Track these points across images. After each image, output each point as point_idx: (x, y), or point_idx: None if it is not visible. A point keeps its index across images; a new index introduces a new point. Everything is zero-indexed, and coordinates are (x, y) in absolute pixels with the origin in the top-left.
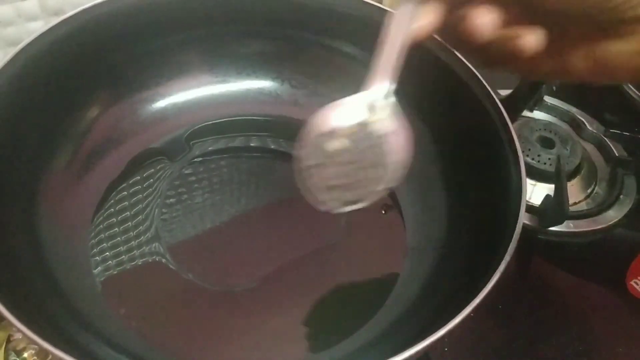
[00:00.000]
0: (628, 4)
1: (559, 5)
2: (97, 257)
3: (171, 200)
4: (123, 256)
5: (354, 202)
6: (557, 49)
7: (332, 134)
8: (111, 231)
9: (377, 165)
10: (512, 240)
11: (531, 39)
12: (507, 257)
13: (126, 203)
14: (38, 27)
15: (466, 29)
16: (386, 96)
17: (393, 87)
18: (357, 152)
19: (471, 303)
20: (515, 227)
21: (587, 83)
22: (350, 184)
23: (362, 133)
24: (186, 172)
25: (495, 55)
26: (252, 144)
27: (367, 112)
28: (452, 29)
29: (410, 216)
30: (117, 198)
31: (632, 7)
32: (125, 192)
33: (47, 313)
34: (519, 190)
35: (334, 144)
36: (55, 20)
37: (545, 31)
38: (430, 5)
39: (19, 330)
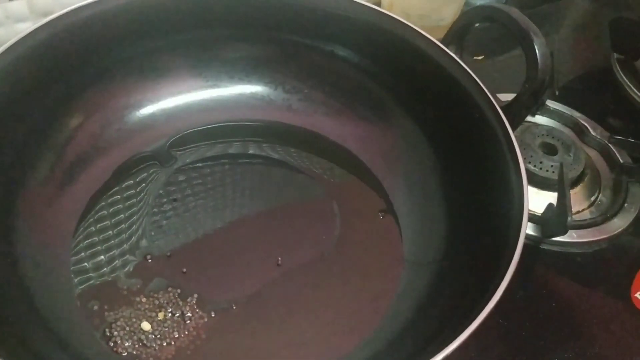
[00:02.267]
0: None
1: None
2: (78, 273)
3: (160, 209)
4: (105, 270)
5: None
6: None
7: None
8: (95, 244)
9: None
10: (514, 258)
11: None
12: (508, 276)
13: (111, 214)
14: (27, 28)
15: None
16: None
17: None
18: None
19: (470, 325)
20: (516, 244)
21: None
22: None
23: None
24: (176, 179)
25: None
26: (244, 151)
27: None
28: None
29: (408, 228)
30: (101, 209)
31: None
32: (111, 202)
33: (23, 336)
34: (520, 205)
35: None
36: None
37: None
38: None
39: None
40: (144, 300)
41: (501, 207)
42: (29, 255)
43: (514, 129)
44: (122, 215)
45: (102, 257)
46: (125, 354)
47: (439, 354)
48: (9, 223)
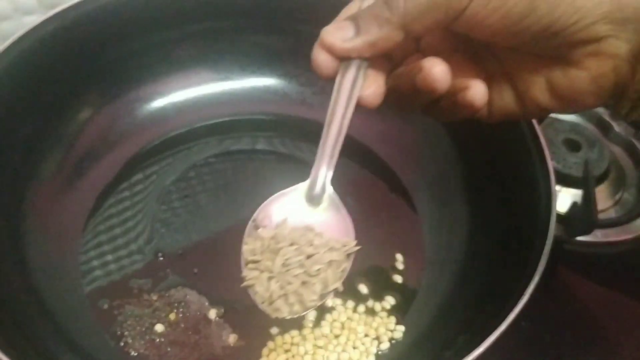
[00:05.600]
0: (574, 27)
1: (504, 43)
2: (87, 270)
3: (170, 205)
4: (115, 267)
5: (304, 306)
6: (514, 86)
7: (276, 237)
8: (105, 241)
9: (318, 263)
10: (542, 259)
11: (478, 90)
12: (535, 278)
13: (121, 210)
14: (34, 21)
15: (425, 80)
16: (324, 187)
17: (330, 176)
18: (300, 251)
19: (495, 331)
20: (544, 244)
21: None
22: (297, 287)
23: (302, 231)
24: (187, 175)
25: (447, 109)
26: (257, 146)
27: (307, 204)
28: (403, 89)
29: (429, 226)
30: (111, 204)
31: (579, 30)
32: (121, 197)
33: (31, 334)
34: (548, 202)
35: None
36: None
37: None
38: (373, 69)
39: None
40: (154, 299)
41: (527, 207)
42: (37, 252)
43: (539, 123)
44: (132, 211)
45: (111, 254)
46: (136, 354)
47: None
48: (18, 218)
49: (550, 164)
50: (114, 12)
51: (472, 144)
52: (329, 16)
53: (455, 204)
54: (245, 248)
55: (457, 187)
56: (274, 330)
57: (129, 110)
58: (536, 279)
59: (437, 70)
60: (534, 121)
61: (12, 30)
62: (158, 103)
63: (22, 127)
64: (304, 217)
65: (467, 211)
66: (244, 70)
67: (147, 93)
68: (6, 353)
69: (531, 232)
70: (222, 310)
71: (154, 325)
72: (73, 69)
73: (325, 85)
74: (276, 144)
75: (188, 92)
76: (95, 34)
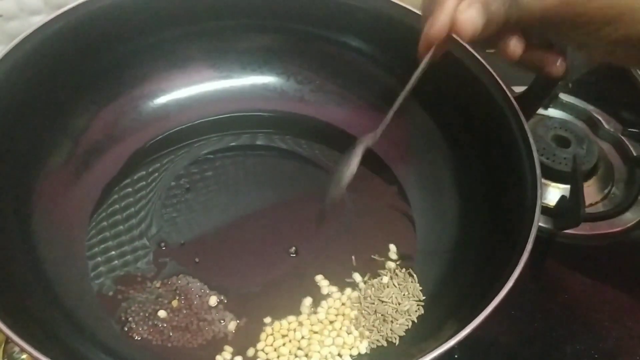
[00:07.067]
0: None
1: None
2: (94, 259)
3: (173, 199)
4: (121, 258)
5: None
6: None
7: None
8: (110, 232)
9: None
10: (525, 249)
11: (555, 65)
12: (520, 266)
13: (125, 202)
14: (41, 20)
15: (503, 51)
16: None
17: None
18: None
19: (482, 313)
20: (529, 234)
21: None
22: None
23: None
24: (189, 170)
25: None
26: (257, 142)
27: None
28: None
29: (421, 218)
30: (116, 197)
31: None
32: (125, 191)
33: (41, 319)
34: (534, 195)
35: None
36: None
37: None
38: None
39: (10, 339)
40: (157, 286)
41: (514, 198)
42: (46, 242)
43: (527, 120)
44: (136, 203)
45: (116, 244)
46: (140, 338)
47: (448, 341)
48: (27, 209)
49: (537, 157)
50: (118, 11)
51: (462, 139)
52: (327, 17)
53: (446, 196)
54: None
55: (448, 180)
56: (272, 316)
57: (133, 106)
58: (521, 265)
59: (512, 49)
60: (523, 118)
61: (19, 30)
62: (161, 100)
63: (30, 122)
64: None
65: (457, 203)
66: (244, 69)
67: (150, 90)
68: (18, 335)
69: (518, 222)
70: (222, 297)
71: (157, 311)
72: (79, 66)
73: (322, 83)
74: (275, 140)
75: (190, 89)
76: (101, 32)
